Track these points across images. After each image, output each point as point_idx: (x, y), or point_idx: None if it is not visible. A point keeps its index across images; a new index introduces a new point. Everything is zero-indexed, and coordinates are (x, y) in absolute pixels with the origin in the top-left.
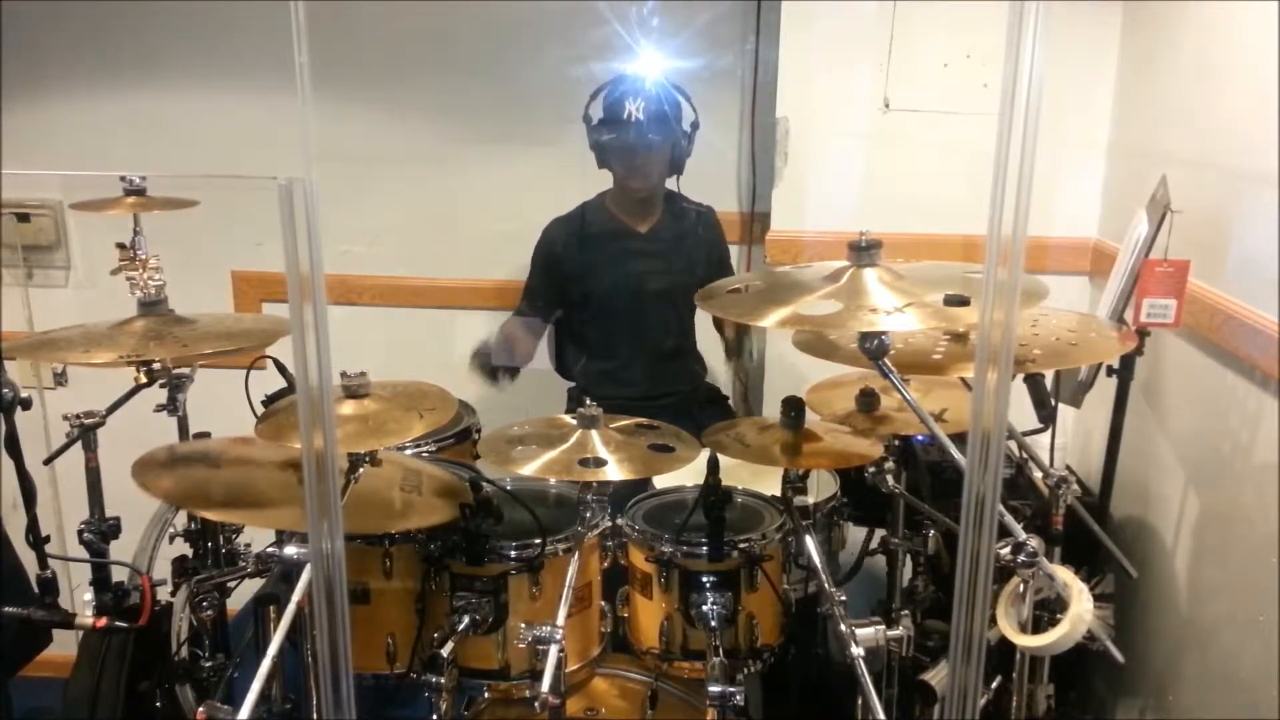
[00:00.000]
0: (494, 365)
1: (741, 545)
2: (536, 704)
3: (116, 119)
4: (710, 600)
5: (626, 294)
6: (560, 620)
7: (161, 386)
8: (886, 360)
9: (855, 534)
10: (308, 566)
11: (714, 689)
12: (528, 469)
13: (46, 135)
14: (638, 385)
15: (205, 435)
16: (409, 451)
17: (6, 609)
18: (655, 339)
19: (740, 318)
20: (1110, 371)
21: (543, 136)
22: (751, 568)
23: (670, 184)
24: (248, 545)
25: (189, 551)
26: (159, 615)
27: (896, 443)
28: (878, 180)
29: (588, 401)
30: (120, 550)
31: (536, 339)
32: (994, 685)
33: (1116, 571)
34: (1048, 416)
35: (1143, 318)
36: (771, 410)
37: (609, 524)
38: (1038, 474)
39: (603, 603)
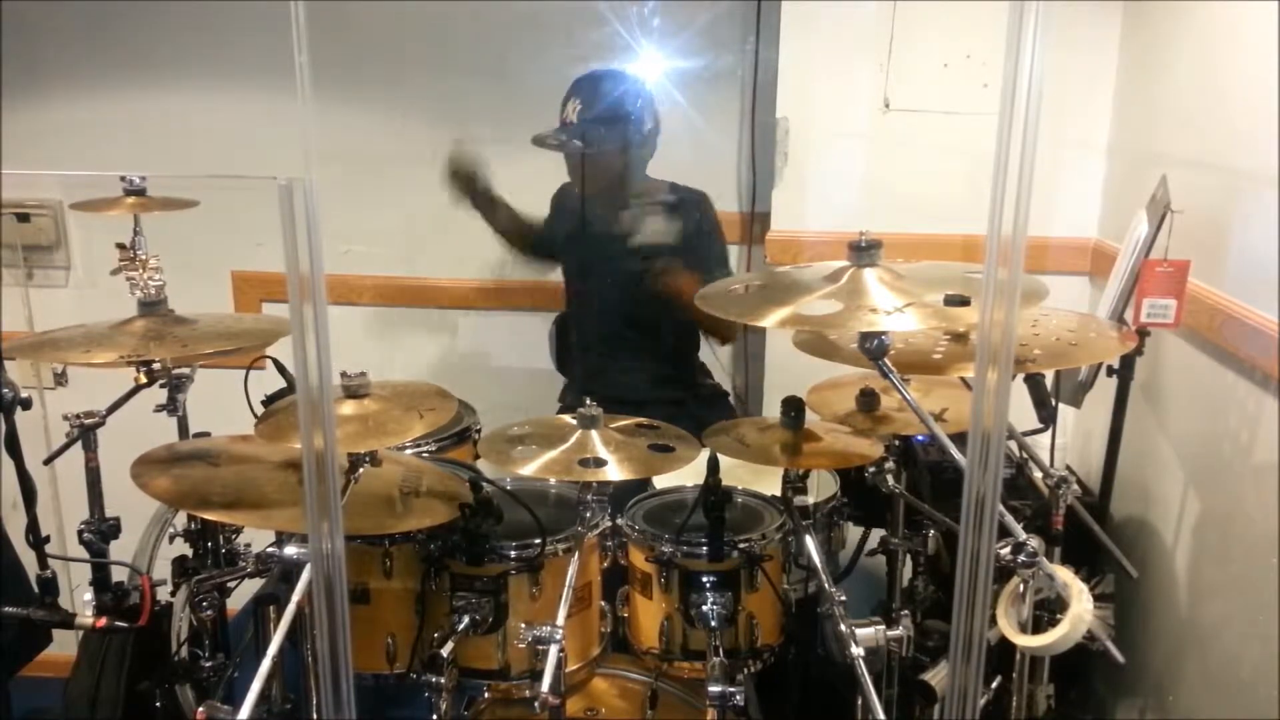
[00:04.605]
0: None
1: (741, 545)
2: (536, 704)
3: (116, 119)
4: (710, 600)
5: (620, 291)
6: (560, 620)
7: (161, 386)
8: (886, 360)
9: (855, 534)
10: (308, 566)
11: (714, 689)
12: (528, 469)
13: (46, 135)
14: (639, 384)
15: (205, 435)
16: (409, 451)
17: (6, 609)
18: (655, 337)
19: (740, 318)
20: (1110, 371)
21: None
22: (751, 568)
23: (664, 176)
24: (248, 545)
25: (189, 551)
26: (159, 615)
27: (896, 443)
28: (878, 180)
29: (588, 401)
30: (120, 550)
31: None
32: (994, 685)
33: (1116, 571)
34: (1048, 416)
35: (1143, 318)
36: (771, 410)
37: (609, 524)
38: (1038, 474)
39: (603, 603)
